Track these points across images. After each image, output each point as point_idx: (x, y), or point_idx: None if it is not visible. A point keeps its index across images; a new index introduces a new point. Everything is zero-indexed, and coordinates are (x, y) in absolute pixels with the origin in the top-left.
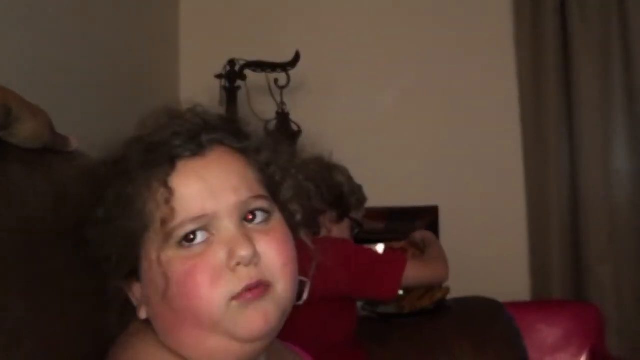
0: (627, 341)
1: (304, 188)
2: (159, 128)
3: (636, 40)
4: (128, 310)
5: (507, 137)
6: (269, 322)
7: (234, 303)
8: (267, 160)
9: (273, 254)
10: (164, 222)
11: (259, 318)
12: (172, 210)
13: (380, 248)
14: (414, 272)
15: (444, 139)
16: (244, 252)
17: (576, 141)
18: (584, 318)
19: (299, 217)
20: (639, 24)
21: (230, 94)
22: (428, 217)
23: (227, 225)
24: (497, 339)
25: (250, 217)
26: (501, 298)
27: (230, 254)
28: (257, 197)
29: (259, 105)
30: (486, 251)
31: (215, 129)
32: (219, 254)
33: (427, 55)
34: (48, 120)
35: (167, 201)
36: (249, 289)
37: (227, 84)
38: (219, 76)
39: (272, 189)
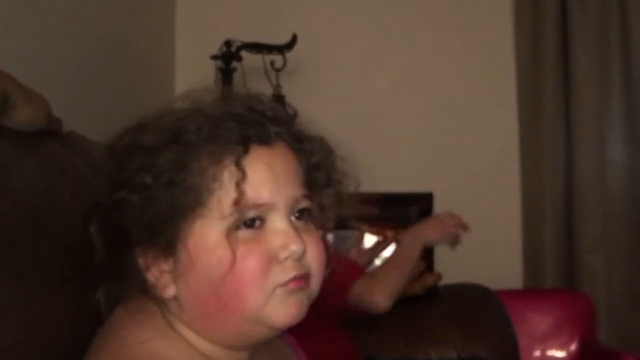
0: (616, 330)
1: (341, 197)
2: (221, 105)
3: (635, 34)
4: (120, 284)
5: (503, 125)
6: (301, 314)
7: (279, 290)
8: (317, 164)
9: (314, 253)
10: (234, 204)
11: (296, 308)
12: (242, 194)
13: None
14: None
15: (439, 125)
16: (295, 247)
17: (572, 131)
18: (575, 307)
19: (330, 224)
20: (639, 17)
21: (226, 75)
22: (422, 203)
23: (282, 218)
24: (487, 326)
25: (297, 214)
26: (493, 286)
27: (283, 247)
28: (306, 196)
29: (254, 87)
30: (479, 238)
31: (281, 124)
32: (274, 244)
33: (424, 41)
34: (46, 106)
35: (239, 183)
36: (295, 278)
37: (223, 65)
38: (214, 57)
39: (312, 191)
